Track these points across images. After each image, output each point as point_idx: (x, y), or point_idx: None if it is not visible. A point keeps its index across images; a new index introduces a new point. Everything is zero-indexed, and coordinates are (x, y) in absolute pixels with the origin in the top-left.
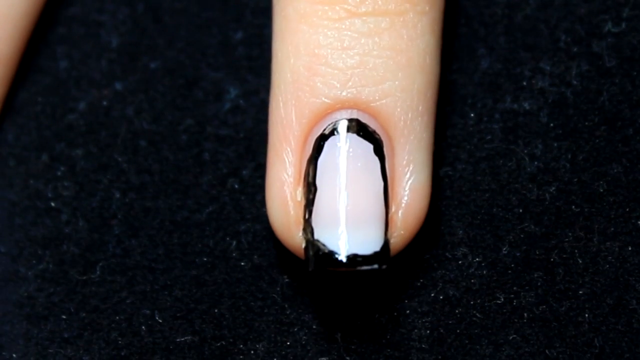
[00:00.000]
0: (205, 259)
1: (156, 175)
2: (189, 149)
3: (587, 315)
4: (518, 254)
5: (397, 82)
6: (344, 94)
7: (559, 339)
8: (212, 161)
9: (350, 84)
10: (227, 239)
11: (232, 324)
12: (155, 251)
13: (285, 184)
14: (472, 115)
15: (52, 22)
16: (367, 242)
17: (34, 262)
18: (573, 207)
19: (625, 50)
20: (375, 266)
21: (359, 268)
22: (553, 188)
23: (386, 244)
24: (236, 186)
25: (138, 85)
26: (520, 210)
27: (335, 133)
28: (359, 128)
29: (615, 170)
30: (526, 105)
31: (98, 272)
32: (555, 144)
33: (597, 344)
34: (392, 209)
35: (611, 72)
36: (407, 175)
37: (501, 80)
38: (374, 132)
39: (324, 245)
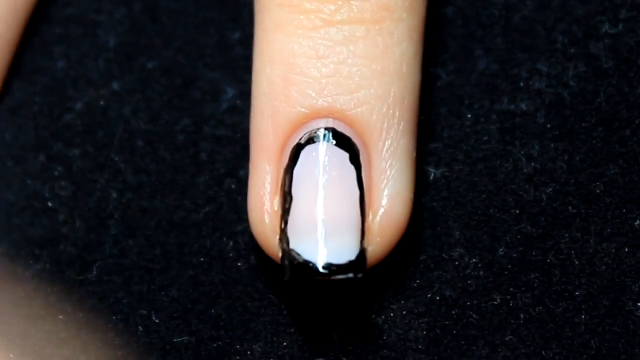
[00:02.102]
0: (202, 260)
1: (153, 175)
2: (186, 149)
3: (583, 316)
4: (515, 255)
5: (372, 90)
6: (319, 103)
7: (555, 341)
8: (209, 161)
9: (325, 92)
10: (224, 239)
11: (229, 325)
12: (152, 251)
13: (264, 194)
14: (469, 116)
15: (49, 22)
16: (343, 252)
17: (31, 262)
18: (570, 208)
19: (622, 52)
20: (351, 275)
21: (333, 277)
22: (550, 189)
23: (362, 253)
24: (233, 187)
25: (135, 85)
26: (517, 212)
27: (311, 142)
28: (334, 137)
29: (612, 172)
30: (523, 107)
31: (95, 273)
32: (553, 145)
33: (594, 346)
34: (370, 217)
35: (608, 74)
36: (385, 183)
37: (498, 82)
38: (350, 140)
39: (299, 255)
